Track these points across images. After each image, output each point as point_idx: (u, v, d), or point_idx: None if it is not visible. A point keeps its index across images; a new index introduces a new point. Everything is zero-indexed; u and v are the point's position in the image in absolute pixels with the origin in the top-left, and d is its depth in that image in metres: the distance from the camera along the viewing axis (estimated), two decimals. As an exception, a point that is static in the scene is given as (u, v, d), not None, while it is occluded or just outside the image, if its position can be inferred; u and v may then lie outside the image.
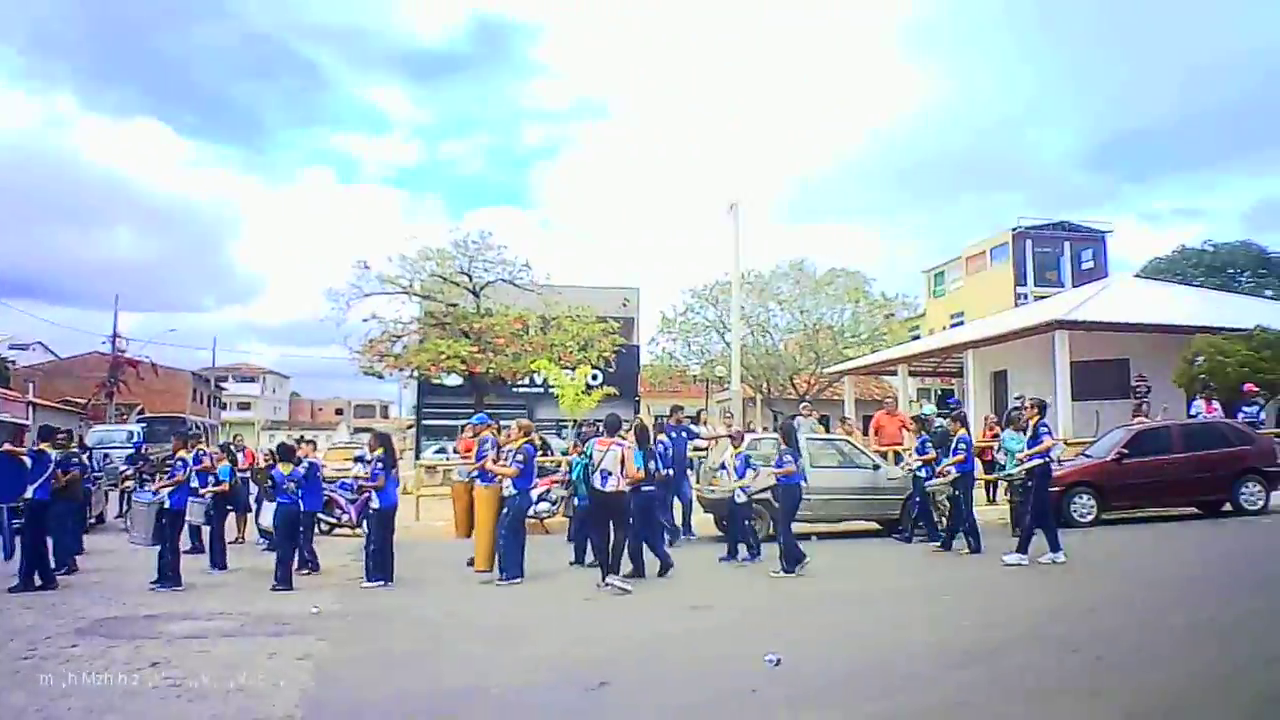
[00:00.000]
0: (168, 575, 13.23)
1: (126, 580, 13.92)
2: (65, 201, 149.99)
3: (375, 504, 13.78)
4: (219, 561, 15.09)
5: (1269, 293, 49.93)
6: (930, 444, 16.44)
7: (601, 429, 13.69)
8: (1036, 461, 13.93)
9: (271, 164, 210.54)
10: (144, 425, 38.32)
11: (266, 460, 18.12)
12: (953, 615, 10.15)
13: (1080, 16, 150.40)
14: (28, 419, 48.59)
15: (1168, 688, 7.02)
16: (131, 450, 25.78)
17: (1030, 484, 14.03)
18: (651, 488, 13.63)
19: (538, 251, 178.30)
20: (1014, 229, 57.71)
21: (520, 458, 13.39)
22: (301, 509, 14.29)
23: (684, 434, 18.15)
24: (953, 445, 15.29)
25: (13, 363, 69.40)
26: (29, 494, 13.45)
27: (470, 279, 34.28)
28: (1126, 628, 9.05)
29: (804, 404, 25.06)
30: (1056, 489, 16.99)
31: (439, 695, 7.37)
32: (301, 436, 18.10)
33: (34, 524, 13.36)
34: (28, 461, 13.83)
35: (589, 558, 13.86)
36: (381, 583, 13.19)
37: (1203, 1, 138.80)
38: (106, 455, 25.23)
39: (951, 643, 8.76)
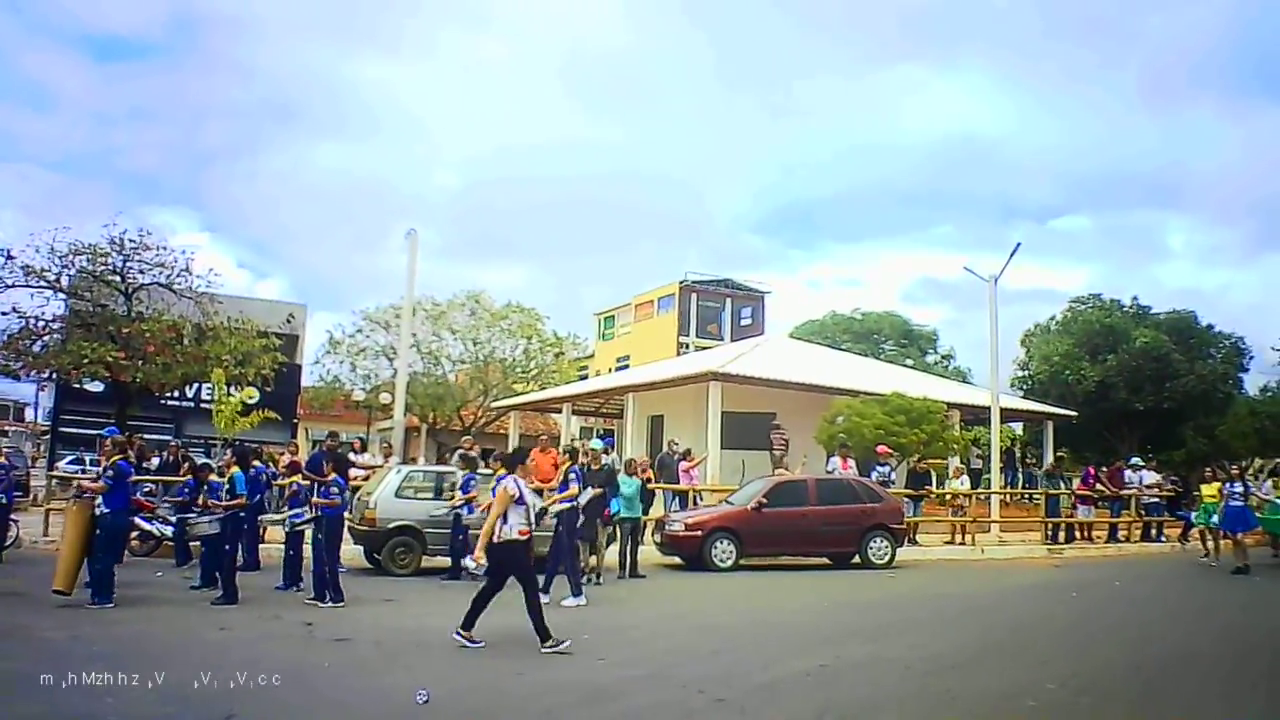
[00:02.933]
0: None
1: None
2: None
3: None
4: None
5: (909, 361, 54.08)
6: (475, 483, 16.82)
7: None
8: (564, 506, 14.81)
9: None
10: None
11: None
12: (587, 653, 10.43)
13: (754, 84, 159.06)
14: None
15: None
16: None
17: (559, 527, 14.85)
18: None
19: (202, 257, 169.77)
20: (682, 282, 60.32)
21: (112, 474, 12.98)
22: None
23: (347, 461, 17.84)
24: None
25: None
26: None
27: (123, 279, 32.17)
28: (751, 669, 9.63)
29: (466, 437, 25.11)
30: (698, 533, 17.97)
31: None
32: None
33: None
34: None
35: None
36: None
37: (873, 85, 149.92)
38: None
39: (584, 680, 9.06)
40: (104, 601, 12.50)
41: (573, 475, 15.05)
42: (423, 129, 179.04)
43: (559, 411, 42.64)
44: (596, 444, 17.06)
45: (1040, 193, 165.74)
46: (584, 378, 53.53)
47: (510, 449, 15.17)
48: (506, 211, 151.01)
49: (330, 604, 13.27)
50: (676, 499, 23.64)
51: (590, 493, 15.50)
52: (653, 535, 20.45)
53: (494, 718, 7.56)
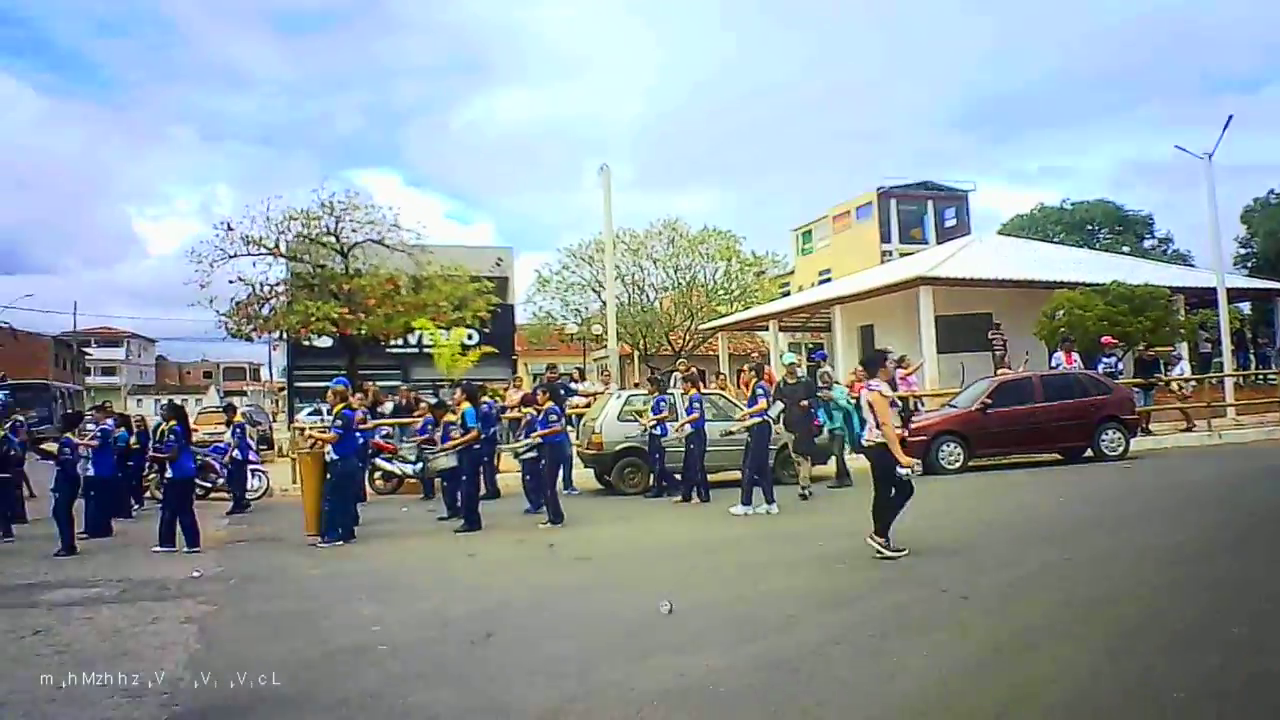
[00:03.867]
0: None
1: (17, 550, 13.85)
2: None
3: (168, 474, 13.80)
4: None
5: (1125, 249, 51.80)
6: (665, 404, 17.06)
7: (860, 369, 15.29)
8: (755, 420, 14.80)
9: (133, 122, 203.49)
10: (7, 392, 37.04)
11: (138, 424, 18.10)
12: (821, 558, 10.56)
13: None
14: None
15: (1029, 623, 7.43)
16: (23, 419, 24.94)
17: (749, 441, 14.91)
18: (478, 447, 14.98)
19: (409, 212, 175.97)
20: (879, 189, 58.80)
21: (338, 424, 13.71)
22: (88, 475, 14.46)
23: (562, 391, 18.39)
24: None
25: None
26: None
27: (338, 239, 33.65)
28: (989, 567, 9.51)
29: (680, 360, 25.43)
30: (923, 438, 17.73)
31: (326, 655, 7.41)
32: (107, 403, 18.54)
33: None
34: None
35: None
36: (169, 549, 13.17)
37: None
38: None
39: (825, 585, 9.14)
40: (333, 539, 13.32)
41: (760, 390, 15.08)
42: (604, 65, 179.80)
43: (765, 329, 42.54)
44: (789, 357, 17.02)
45: (1246, 64, 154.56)
46: (786, 294, 53.20)
47: (871, 352, 14.96)
48: (694, 137, 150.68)
49: (552, 524, 13.94)
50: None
51: (779, 406, 15.54)
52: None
53: (739, 626, 7.69)
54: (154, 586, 10.53)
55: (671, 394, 17.46)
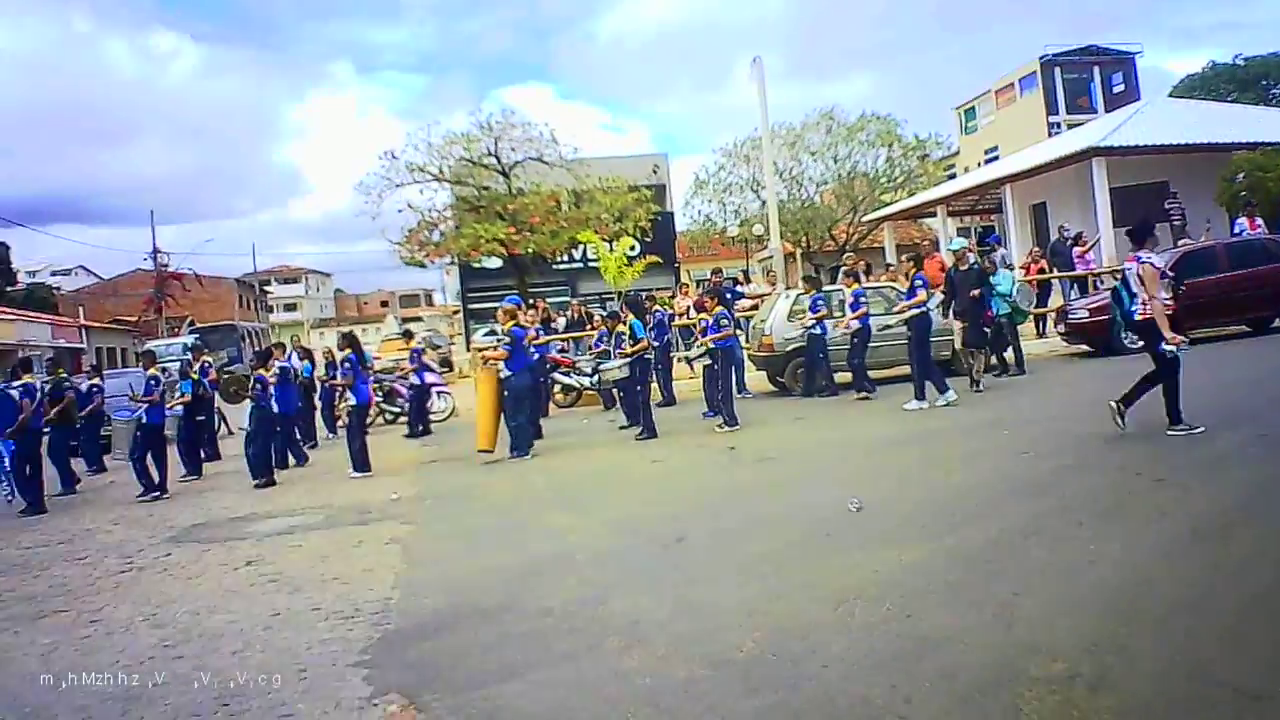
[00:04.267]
0: (148, 485, 13.98)
1: (219, 486, 14.49)
2: (93, 121, 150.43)
3: (351, 400, 14.28)
4: (194, 467, 15.94)
5: (1308, 103, 48.67)
6: (823, 303, 16.64)
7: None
8: (914, 313, 14.43)
9: (292, 62, 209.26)
10: (197, 336, 38.85)
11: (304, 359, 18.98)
12: (1006, 448, 10.34)
13: None
14: (82, 342, 49.60)
15: (1230, 502, 7.16)
16: (213, 360, 26.31)
17: (910, 334, 14.57)
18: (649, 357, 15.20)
19: (564, 125, 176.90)
20: (1042, 57, 56.19)
21: (508, 341, 13.94)
22: (274, 410, 14.98)
23: (727, 295, 18.33)
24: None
25: (58, 289, 70.47)
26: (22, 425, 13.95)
27: (499, 160, 34.00)
28: (1181, 448, 9.13)
29: (846, 254, 25.03)
30: (1104, 318, 17.05)
31: (527, 565, 7.63)
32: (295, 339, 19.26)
33: (26, 450, 13.98)
34: (15, 395, 14.18)
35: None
36: (366, 474, 13.78)
37: None
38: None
39: (1013, 475, 8.96)
40: (520, 454, 13.71)
41: (918, 282, 14.66)
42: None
43: (933, 215, 41.41)
44: (957, 243, 16.28)
45: None
46: (952, 177, 51.58)
47: (1140, 218, 12.76)
48: (847, 19, 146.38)
49: (728, 428, 13.98)
50: (1075, 286, 22.65)
51: (938, 297, 15.11)
52: (1055, 325, 19.75)
53: (930, 519, 7.58)
54: (355, 511, 10.98)
55: (837, 290, 17.19)
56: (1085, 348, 18.43)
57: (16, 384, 14.44)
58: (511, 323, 14.31)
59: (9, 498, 14.33)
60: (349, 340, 14.72)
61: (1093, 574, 5.82)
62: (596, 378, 18.13)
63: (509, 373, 13.90)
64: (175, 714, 5.18)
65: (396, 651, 5.89)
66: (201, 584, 8.24)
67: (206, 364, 17.89)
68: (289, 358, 17.43)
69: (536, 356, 16.39)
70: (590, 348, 19.54)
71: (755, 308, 20.10)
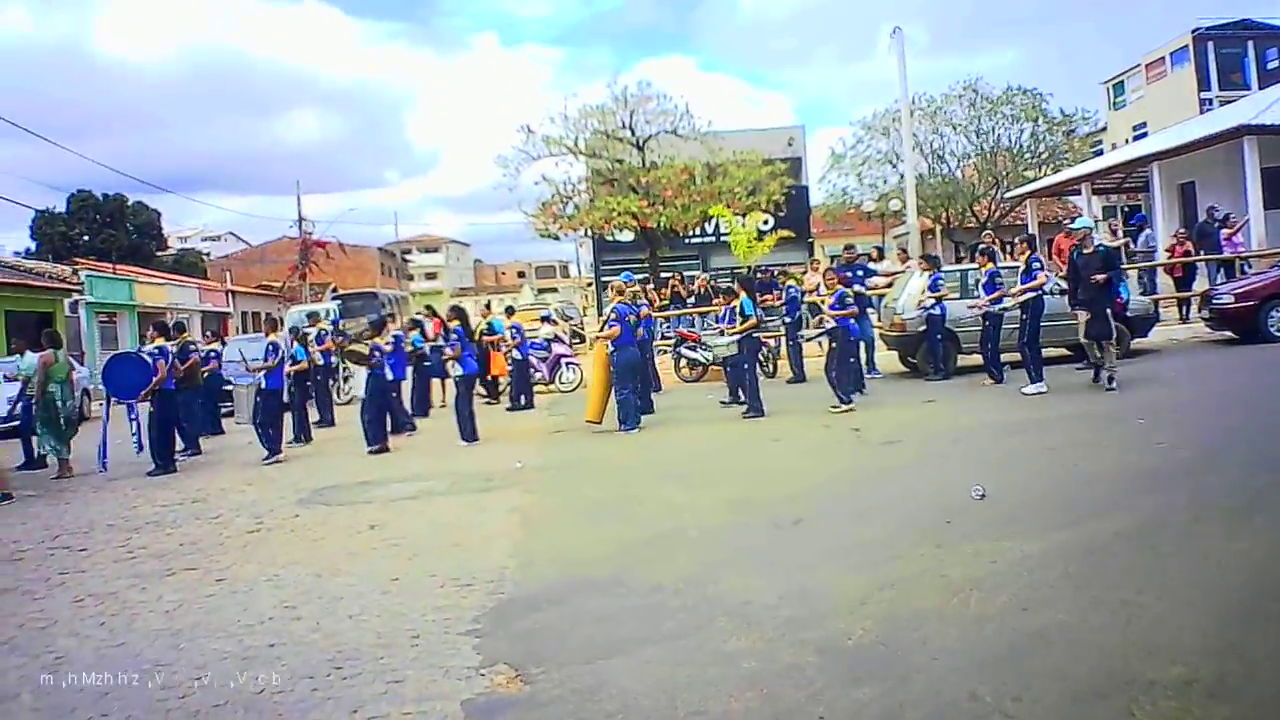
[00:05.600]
0: (271, 448, 14.35)
1: (336, 451, 14.80)
2: (243, 92, 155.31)
3: (459, 371, 14.65)
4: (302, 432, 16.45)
5: None
6: (943, 282, 16.24)
7: None
8: (1029, 296, 14.11)
9: (438, 35, 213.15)
10: (339, 302, 39.85)
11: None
12: (1138, 438, 9.98)
13: None
14: (228, 307, 51.34)
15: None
16: (330, 327, 26.94)
17: (1024, 317, 14.22)
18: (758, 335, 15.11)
19: (703, 97, 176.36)
20: (1194, 31, 53.94)
21: (614, 317, 14.19)
22: (389, 377, 15.14)
23: (859, 272, 18.02)
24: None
25: (206, 254, 73.04)
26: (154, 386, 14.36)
27: (633, 133, 34.05)
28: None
29: (985, 231, 24.43)
30: (1251, 303, 16.32)
31: (642, 540, 7.64)
32: (429, 307, 19.66)
33: (162, 412, 14.39)
34: (148, 359, 14.60)
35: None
36: (474, 443, 14.11)
37: None
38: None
39: (1143, 466, 8.63)
40: (629, 427, 13.97)
41: (1036, 264, 14.29)
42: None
43: (1077, 194, 40.06)
44: (1080, 223, 15.29)
45: None
46: (1099, 154, 49.91)
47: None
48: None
49: (844, 408, 13.80)
50: (1221, 270, 21.73)
51: (1054, 281, 14.59)
52: (1199, 310, 18.98)
53: (1053, 510, 7.35)
54: (479, 479, 11.13)
55: (969, 269, 16.75)
56: (1230, 334, 17.63)
57: (151, 347, 14.97)
58: (617, 299, 14.58)
59: (139, 451, 14.85)
60: (456, 313, 15.07)
61: (1219, 575, 5.57)
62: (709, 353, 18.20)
63: (613, 348, 14.15)
64: (290, 675, 5.30)
65: (507, 621, 5.94)
66: (325, 546, 8.43)
67: (323, 332, 18.62)
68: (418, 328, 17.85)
69: (643, 334, 16.35)
70: (715, 322, 19.46)
71: (889, 286, 19.73)
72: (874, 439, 11.44)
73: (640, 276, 19.95)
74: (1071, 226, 15.66)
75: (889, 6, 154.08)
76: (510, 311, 20.97)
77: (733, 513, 8.37)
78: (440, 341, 17.25)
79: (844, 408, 13.81)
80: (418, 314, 21.73)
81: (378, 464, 13.24)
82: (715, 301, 20.69)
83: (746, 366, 14.85)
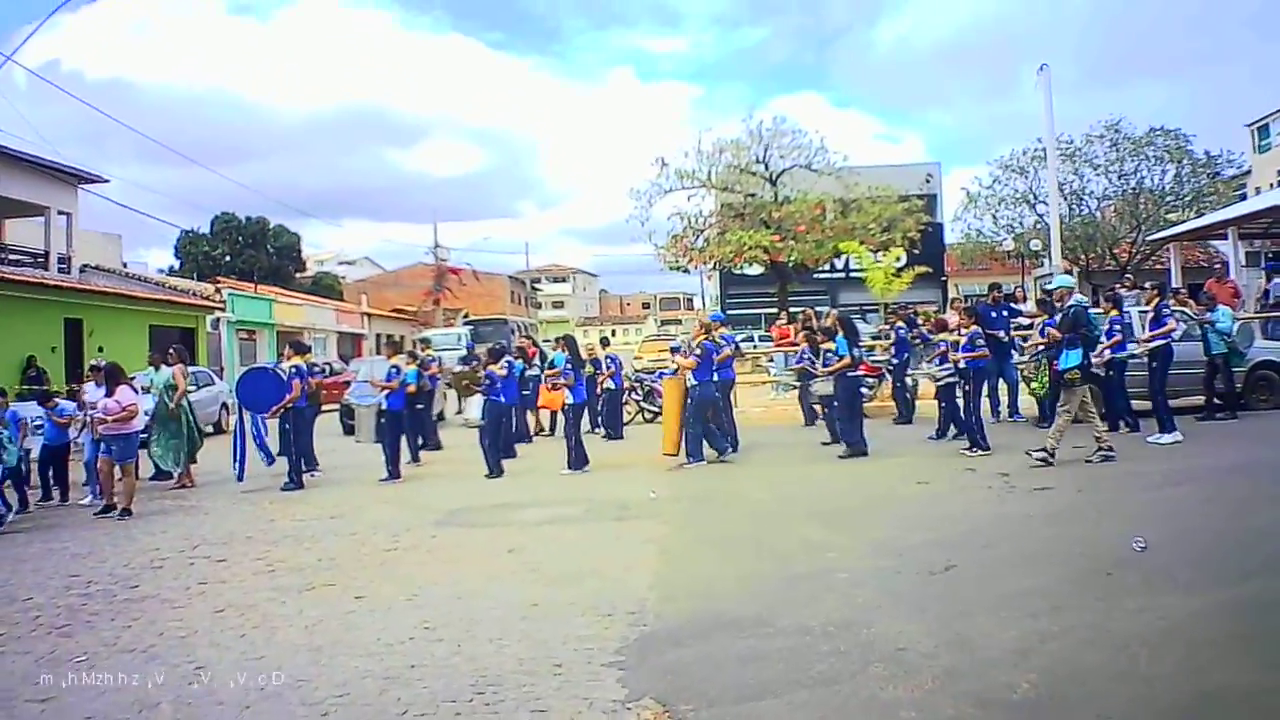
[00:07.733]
0: (391, 470, 14.50)
1: (467, 473, 14.81)
2: (385, 124, 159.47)
3: (569, 399, 14.60)
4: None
5: None
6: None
7: None
8: (1159, 343, 13.71)
9: (575, 69, 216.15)
10: (470, 327, 40.43)
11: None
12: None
13: None
14: (364, 329, 52.46)
15: None
16: (463, 351, 27.20)
17: (1154, 365, 13.79)
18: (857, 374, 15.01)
19: (836, 134, 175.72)
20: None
21: (699, 352, 14.16)
22: (504, 403, 15.19)
23: (1005, 313, 17.50)
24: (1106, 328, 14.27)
25: (343, 278, 74.87)
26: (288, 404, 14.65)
27: (766, 167, 33.98)
28: None
29: (1125, 275, 23.66)
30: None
31: (784, 579, 7.40)
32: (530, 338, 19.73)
33: (297, 428, 14.68)
34: (282, 375, 14.90)
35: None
36: (583, 469, 14.14)
37: None
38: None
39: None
40: (694, 460, 13.95)
41: (1165, 310, 13.91)
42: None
43: (1222, 238, 38.65)
44: (1059, 281, 15.01)
45: None
46: (1242, 198, 48.13)
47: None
48: (1140, 25, 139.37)
49: (978, 452, 13.39)
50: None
51: (1182, 328, 14.09)
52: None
53: (1219, 564, 6.93)
54: (615, 507, 11.01)
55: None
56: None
57: (287, 364, 15.24)
58: (704, 336, 14.58)
59: (268, 462, 15.16)
60: (564, 341, 15.01)
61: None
62: (803, 391, 18.55)
63: (695, 382, 14.11)
64: (432, 698, 5.21)
65: (651, 655, 5.78)
66: (463, 568, 8.38)
67: (430, 358, 19.14)
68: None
69: (726, 375, 16.00)
70: (793, 363, 19.40)
71: (1030, 327, 19.14)
72: (1024, 485, 10.97)
73: (771, 312, 19.73)
74: (1048, 286, 15.37)
75: (1033, 41, 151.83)
76: (605, 343, 21.00)
77: (880, 556, 8.05)
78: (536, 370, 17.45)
79: (979, 453, 13.38)
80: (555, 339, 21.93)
81: (510, 487, 13.23)
82: (800, 338, 20.32)
83: (837, 404, 14.78)
